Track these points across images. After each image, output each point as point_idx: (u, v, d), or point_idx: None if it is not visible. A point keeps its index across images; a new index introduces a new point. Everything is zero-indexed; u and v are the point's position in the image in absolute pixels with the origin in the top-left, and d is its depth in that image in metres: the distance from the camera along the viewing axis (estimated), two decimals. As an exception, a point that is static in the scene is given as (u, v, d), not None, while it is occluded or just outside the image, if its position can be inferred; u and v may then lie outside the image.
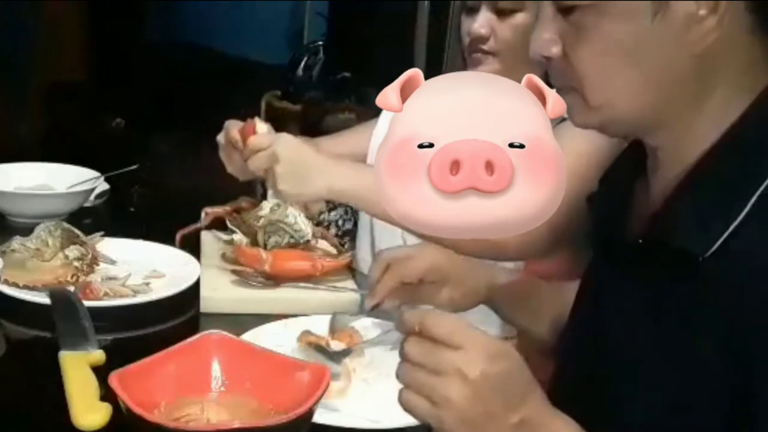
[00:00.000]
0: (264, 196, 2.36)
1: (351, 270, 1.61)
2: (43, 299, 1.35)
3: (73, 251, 1.47)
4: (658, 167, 1.01)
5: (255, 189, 3.09)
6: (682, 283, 0.92)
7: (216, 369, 1.08)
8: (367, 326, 1.37)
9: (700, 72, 0.93)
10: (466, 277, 1.34)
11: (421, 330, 0.85)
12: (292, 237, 1.56)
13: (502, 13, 1.58)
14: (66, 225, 1.54)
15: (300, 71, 4.34)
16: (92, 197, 1.93)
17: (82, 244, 1.51)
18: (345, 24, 4.30)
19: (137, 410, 0.93)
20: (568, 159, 1.16)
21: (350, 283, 1.53)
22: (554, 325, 1.28)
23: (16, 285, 1.41)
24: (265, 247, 1.56)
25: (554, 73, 0.99)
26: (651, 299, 0.96)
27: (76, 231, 1.54)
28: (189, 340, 1.09)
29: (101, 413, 1.06)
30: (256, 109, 3.81)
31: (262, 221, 1.59)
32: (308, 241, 1.57)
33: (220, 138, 1.64)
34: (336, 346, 1.24)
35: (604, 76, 0.95)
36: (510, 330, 1.62)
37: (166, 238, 1.64)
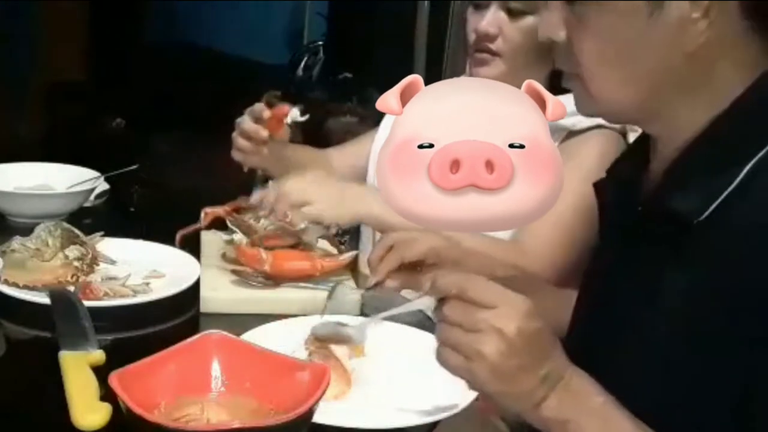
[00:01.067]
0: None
1: (351, 270, 1.61)
2: (43, 299, 1.35)
3: (73, 251, 1.47)
4: (657, 152, 1.05)
5: (255, 189, 3.09)
6: (680, 251, 0.96)
7: (216, 369, 1.08)
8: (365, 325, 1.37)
9: (694, 69, 0.97)
10: (463, 262, 1.35)
11: (458, 293, 0.90)
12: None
13: (512, 14, 1.57)
14: (66, 225, 1.54)
15: (300, 71, 4.34)
16: (92, 197, 1.93)
17: (82, 244, 1.51)
18: (345, 24, 4.30)
19: (137, 410, 0.93)
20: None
21: (350, 283, 1.53)
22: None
23: (16, 285, 1.41)
24: (265, 247, 1.56)
25: (560, 58, 1.03)
26: (650, 273, 1.00)
27: (76, 231, 1.54)
28: (189, 340, 1.09)
29: (101, 413, 1.06)
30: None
31: (262, 221, 1.59)
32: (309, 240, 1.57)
33: (244, 120, 1.65)
34: (337, 347, 1.24)
35: (602, 68, 0.99)
36: None
37: (166, 238, 1.64)
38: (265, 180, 1.66)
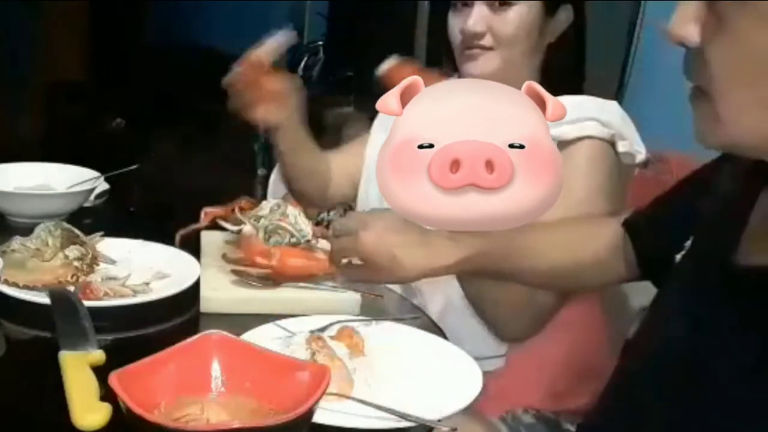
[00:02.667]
0: (264, 197, 2.36)
1: None
2: (43, 299, 1.34)
3: (73, 251, 1.46)
4: None
5: (255, 189, 3.09)
6: None
7: (216, 369, 1.07)
8: (367, 326, 1.37)
9: None
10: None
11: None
12: (293, 236, 1.56)
13: (495, 8, 1.57)
14: (66, 225, 1.54)
15: (300, 71, 4.34)
16: (92, 197, 1.93)
17: (82, 244, 1.50)
18: (345, 24, 4.30)
19: (137, 410, 0.92)
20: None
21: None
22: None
23: (16, 285, 1.40)
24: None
25: (690, 67, 0.86)
26: None
27: (76, 231, 1.53)
28: (189, 340, 1.08)
29: (101, 413, 1.05)
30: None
31: (262, 221, 1.59)
32: (309, 240, 1.56)
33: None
34: (337, 347, 1.24)
35: (736, 85, 0.81)
36: (498, 348, 1.62)
37: (166, 238, 1.63)
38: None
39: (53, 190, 1.90)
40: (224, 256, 1.59)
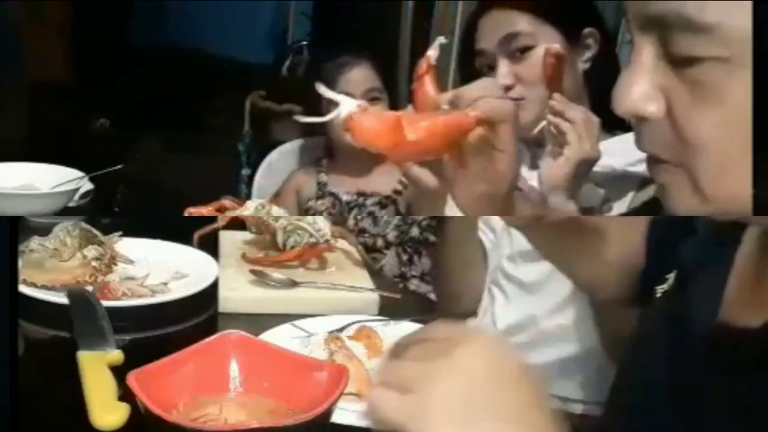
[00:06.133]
0: (248, 196, 2.36)
1: (369, 269, 1.61)
2: (62, 299, 1.35)
3: (91, 251, 1.47)
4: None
5: (239, 188, 3.09)
6: None
7: (234, 369, 1.08)
8: (385, 326, 1.38)
9: None
10: None
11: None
12: (312, 236, 1.56)
13: (517, 57, 1.54)
14: (84, 225, 1.54)
15: (285, 71, 4.34)
16: (76, 197, 1.90)
17: (100, 243, 1.51)
18: (329, 24, 4.31)
19: (156, 410, 0.93)
20: None
21: (368, 283, 1.54)
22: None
23: (34, 285, 1.40)
24: (284, 247, 1.56)
25: (649, 139, 0.74)
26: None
27: (95, 231, 1.54)
28: (207, 340, 1.09)
29: (119, 413, 1.06)
30: (241, 109, 3.82)
31: (281, 221, 1.59)
32: (327, 240, 1.57)
33: None
34: (355, 347, 1.25)
35: (731, 156, 0.68)
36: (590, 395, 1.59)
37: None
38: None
39: (37, 190, 1.88)
40: (243, 256, 1.59)
